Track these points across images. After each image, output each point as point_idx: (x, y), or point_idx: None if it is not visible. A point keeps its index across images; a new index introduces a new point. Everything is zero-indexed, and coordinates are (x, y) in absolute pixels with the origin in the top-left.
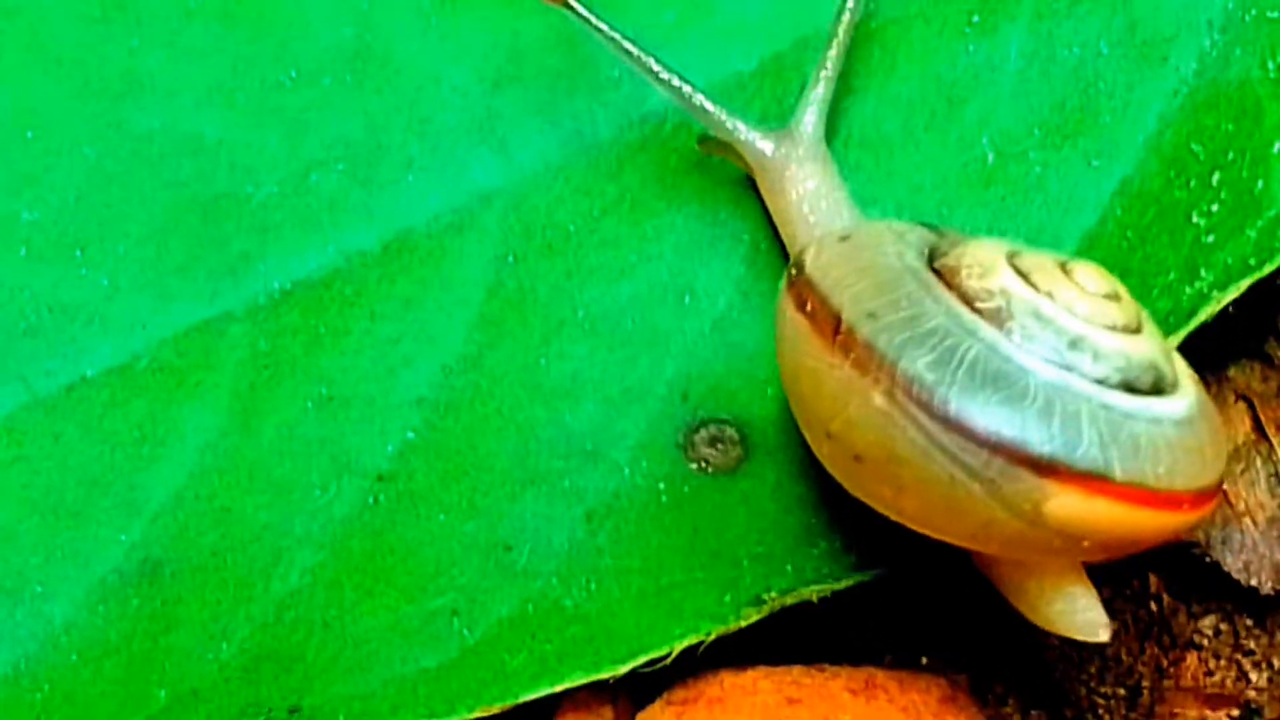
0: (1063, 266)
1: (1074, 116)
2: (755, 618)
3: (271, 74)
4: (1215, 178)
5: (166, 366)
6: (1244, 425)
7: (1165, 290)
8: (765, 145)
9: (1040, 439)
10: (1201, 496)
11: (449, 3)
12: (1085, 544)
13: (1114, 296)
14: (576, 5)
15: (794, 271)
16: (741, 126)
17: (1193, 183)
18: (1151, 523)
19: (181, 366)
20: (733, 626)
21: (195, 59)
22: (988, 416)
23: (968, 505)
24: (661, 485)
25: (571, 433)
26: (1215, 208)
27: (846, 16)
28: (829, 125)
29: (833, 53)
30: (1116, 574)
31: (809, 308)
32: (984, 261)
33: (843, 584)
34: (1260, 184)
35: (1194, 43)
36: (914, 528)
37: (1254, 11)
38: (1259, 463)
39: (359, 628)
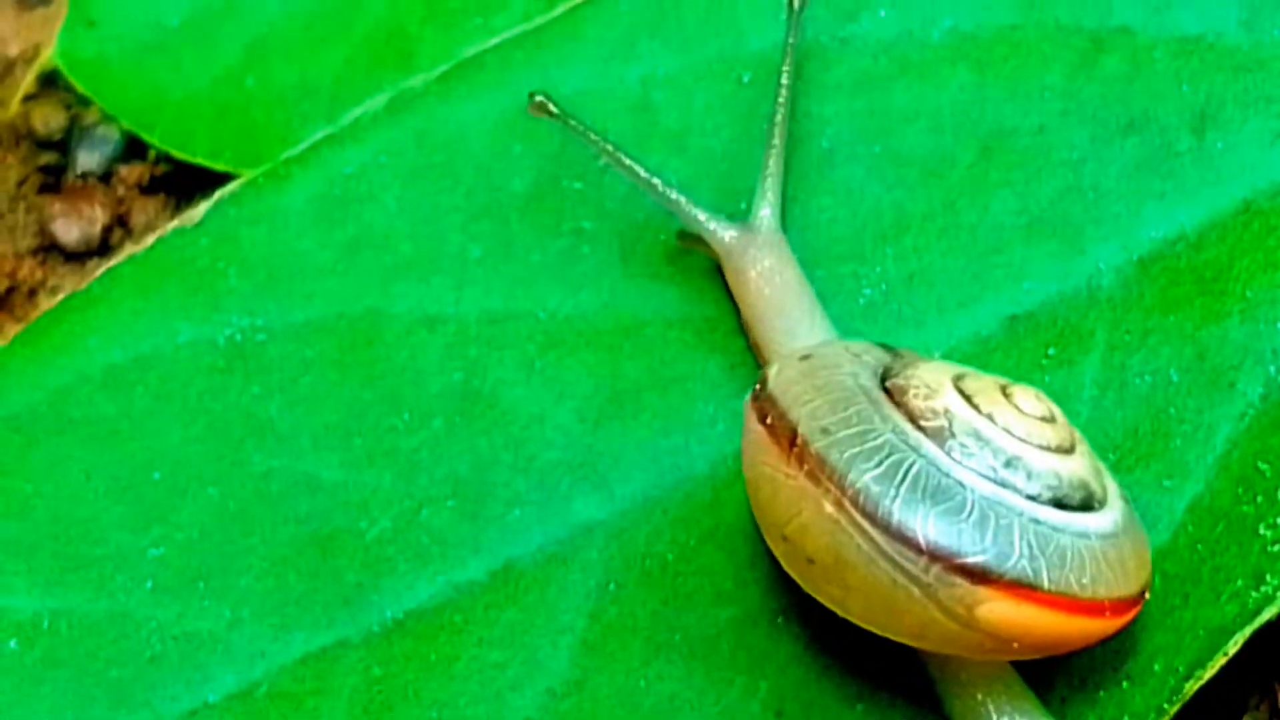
0: (1004, 390)
1: (1146, 440)
2: None
3: (385, 418)
4: None
5: (285, 692)
6: None
7: (1232, 597)
8: (727, 234)
9: (975, 549)
10: (1123, 605)
11: (552, 348)
12: (1015, 645)
13: (1049, 419)
14: (552, 107)
15: (758, 387)
16: (705, 216)
17: (1260, 498)
18: (1076, 627)
19: (299, 692)
20: None
21: (313, 405)
22: (927, 527)
23: (907, 606)
24: None
25: None
26: None
27: (779, 117)
28: (781, 216)
29: (772, 157)
30: None
31: (769, 421)
32: (931, 383)
33: None
34: None
35: (1259, 370)
36: (861, 625)
37: None
38: None
39: None
